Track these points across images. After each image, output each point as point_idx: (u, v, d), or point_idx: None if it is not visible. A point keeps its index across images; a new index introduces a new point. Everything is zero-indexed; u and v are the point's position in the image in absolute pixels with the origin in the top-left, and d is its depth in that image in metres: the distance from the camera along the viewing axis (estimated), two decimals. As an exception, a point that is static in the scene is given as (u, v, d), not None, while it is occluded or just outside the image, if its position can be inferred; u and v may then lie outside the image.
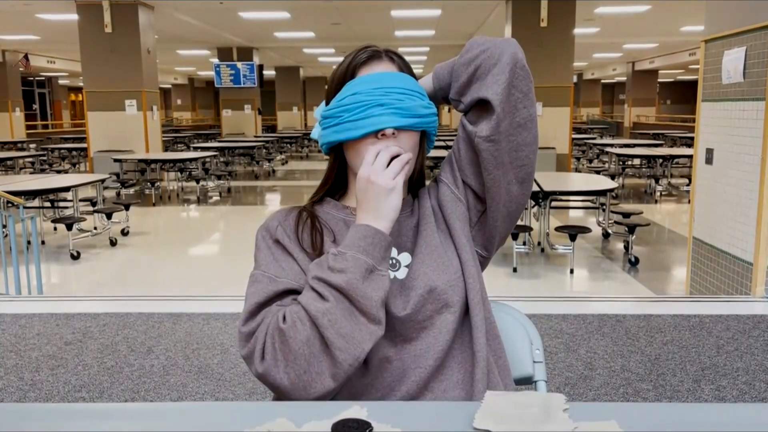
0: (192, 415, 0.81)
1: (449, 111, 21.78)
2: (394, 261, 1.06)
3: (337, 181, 1.14)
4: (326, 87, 1.13)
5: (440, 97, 1.13)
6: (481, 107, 1.05)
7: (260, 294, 0.99)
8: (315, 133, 1.12)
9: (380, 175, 0.96)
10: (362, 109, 1.02)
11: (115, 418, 0.80)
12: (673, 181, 9.93)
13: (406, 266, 1.05)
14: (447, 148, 8.48)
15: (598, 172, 9.29)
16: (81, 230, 6.24)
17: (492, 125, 1.02)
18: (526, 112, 1.05)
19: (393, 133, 1.03)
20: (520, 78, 1.03)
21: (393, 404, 0.88)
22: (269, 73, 20.43)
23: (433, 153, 7.79)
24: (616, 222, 6.01)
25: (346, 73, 1.08)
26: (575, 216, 7.65)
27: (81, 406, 0.86)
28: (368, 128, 1.02)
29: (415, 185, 1.17)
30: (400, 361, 1.00)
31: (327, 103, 1.10)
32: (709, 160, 4.12)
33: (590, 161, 12.53)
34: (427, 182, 1.19)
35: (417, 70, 21.11)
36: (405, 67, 1.11)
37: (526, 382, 1.18)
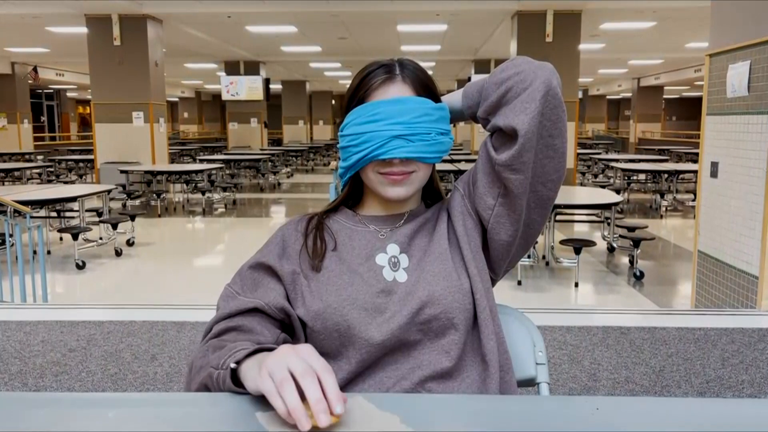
0: (207, 405, 0.81)
1: (456, 127, 21.84)
2: (395, 260, 1.06)
3: (354, 193, 1.17)
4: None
5: (468, 115, 1.09)
6: (506, 133, 1.00)
7: (225, 309, 1.16)
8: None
9: (272, 389, 0.72)
10: (376, 141, 1.02)
11: (119, 407, 0.80)
12: (679, 196, 9.91)
13: (404, 269, 1.06)
14: (452, 161, 8.50)
15: (603, 187, 9.29)
16: (87, 240, 6.27)
17: (513, 154, 0.98)
18: (551, 141, 1.00)
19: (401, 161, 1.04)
20: (551, 107, 0.98)
21: (394, 396, 0.88)
22: (276, 86, 20.56)
23: (439, 167, 7.77)
24: (621, 236, 6.00)
25: (358, 94, 1.07)
26: (580, 230, 7.65)
27: (87, 396, 0.86)
28: (378, 158, 1.03)
29: (428, 194, 1.19)
30: (402, 367, 1.01)
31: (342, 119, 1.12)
32: (714, 174, 4.12)
33: (595, 176, 12.52)
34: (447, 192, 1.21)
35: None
36: (421, 87, 1.07)
37: (528, 384, 1.18)
